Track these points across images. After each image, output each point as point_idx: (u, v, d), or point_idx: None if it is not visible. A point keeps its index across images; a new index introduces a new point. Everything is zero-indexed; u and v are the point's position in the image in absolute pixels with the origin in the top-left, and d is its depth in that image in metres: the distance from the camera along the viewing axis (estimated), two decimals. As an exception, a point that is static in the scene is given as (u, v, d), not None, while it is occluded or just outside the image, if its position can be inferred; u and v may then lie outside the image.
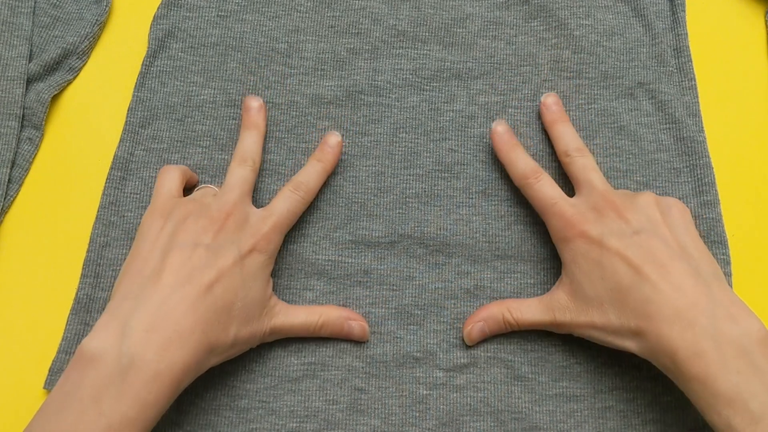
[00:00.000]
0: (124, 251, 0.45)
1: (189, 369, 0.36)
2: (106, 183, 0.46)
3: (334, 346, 0.43)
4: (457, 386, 0.42)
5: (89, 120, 0.49)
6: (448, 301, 0.44)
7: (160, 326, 0.35)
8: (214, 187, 0.45)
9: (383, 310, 0.44)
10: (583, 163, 0.44)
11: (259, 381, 0.42)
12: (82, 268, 0.44)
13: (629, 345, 0.38)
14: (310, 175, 0.45)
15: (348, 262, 0.44)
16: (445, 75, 0.49)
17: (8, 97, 0.47)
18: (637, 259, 0.38)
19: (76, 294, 0.44)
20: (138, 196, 0.46)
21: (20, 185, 0.47)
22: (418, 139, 0.47)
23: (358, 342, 0.43)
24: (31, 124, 0.48)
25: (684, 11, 0.51)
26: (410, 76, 0.49)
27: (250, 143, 0.45)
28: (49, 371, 0.42)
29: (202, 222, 0.40)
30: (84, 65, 0.51)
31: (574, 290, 0.40)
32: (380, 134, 0.48)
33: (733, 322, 0.36)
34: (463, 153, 0.47)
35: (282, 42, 0.50)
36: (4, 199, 0.46)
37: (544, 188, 0.43)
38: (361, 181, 0.47)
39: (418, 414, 0.42)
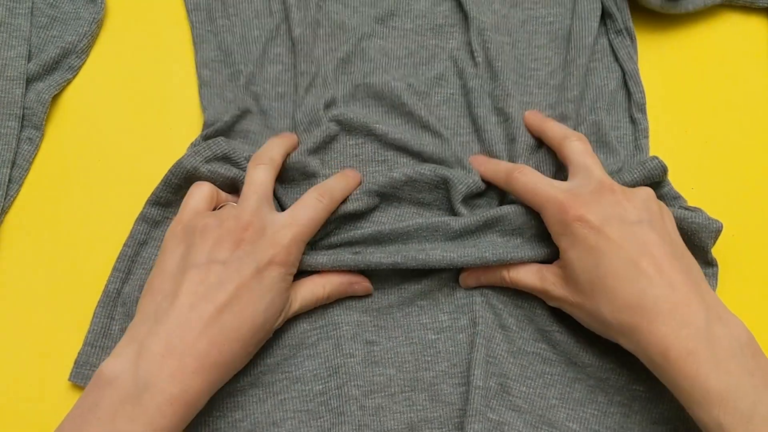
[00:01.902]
0: None
1: (203, 392, 0.36)
2: (159, 184, 0.44)
3: (340, 305, 0.44)
4: (462, 327, 0.44)
5: (89, 120, 0.49)
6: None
7: (175, 351, 0.35)
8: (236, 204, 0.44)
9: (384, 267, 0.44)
10: (581, 148, 0.43)
11: (277, 354, 0.43)
12: (116, 262, 0.44)
13: (617, 338, 0.39)
14: (338, 183, 0.44)
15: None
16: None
17: (8, 97, 0.47)
18: (635, 250, 0.37)
19: (106, 287, 0.44)
20: None
21: (20, 185, 0.47)
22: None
23: (362, 297, 0.44)
24: (31, 124, 0.48)
25: (647, 137, 0.49)
26: (439, 224, 0.44)
27: (269, 145, 0.44)
28: (75, 363, 0.43)
29: (218, 237, 0.39)
30: (83, 64, 0.51)
31: (568, 275, 0.40)
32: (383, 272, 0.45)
33: (723, 323, 0.36)
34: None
35: None
36: (4, 199, 0.46)
37: (532, 178, 0.42)
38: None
39: (429, 358, 0.43)
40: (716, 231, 0.44)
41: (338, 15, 0.51)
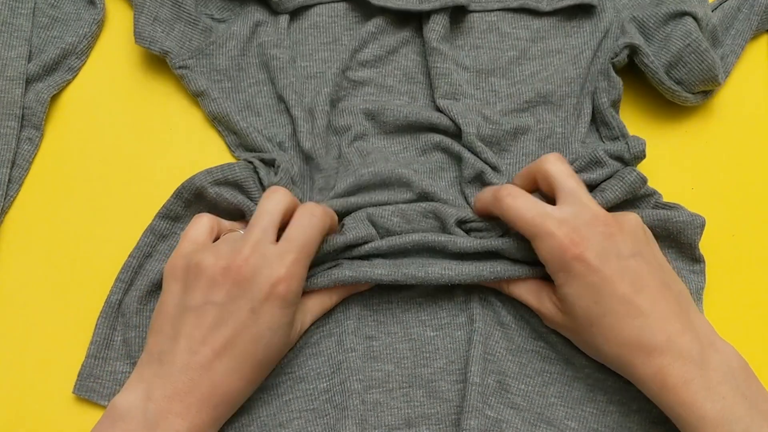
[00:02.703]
0: (164, 266, 0.43)
1: (210, 426, 0.38)
2: (171, 198, 0.44)
3: (342, 302, 0.44)
4: (460, 324, 0.44)
5: (89, 120, 0.49)
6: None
7: (179, 393, 0.37)
8: (241, 232, 0.42)
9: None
10: (564, 169, 0.41)
11: None
12: (120, 273, 0.44)
13: (613, 368, 0.40)
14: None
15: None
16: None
17: (8, 97, 0.47)
18: (631, 287, 0.38)
19: (108, 298, 0.44)
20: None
21: (20, 185, 0.47)
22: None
23: (363, 291, 0.45)
24: (31, 124, 0.48)
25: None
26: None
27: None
28: (79, 376, 0.43)
29: (213, 276, 0.38)
30: (83, 65, 0.50)
31: (566, 309, 0.40)
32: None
33: (715, 349, 0.37)
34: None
35: None
36: (4, 199, 0.46)
37: (523, 202, 0.40)
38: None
39: (428, 355, 0.44)
40: (701, 226, 0.44)
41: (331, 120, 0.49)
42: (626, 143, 0.45)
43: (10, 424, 0.43)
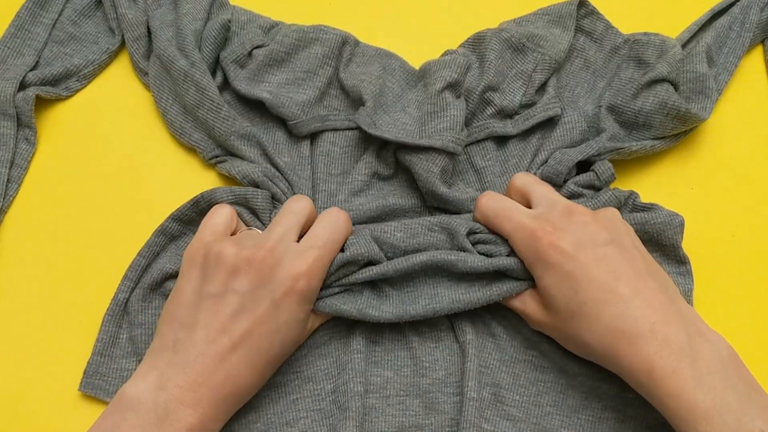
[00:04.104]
0: (171, 266, 0.43)
1: (219, 420, 0.38)
2: (188, 203, 0.44)
3: None
4: (457, 336, 0.44)
5: (89, 120, 0.50)
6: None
7: (192, 383, 0.36)
8: (260, 231, 0.43)
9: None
10: (531, 179, 0.43)
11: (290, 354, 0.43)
12: (128, 271, 0.43)
13: (601, 361, 0.39)
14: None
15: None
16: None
17: (0, 97, 0.47)
18: (610, 273, 0.37)
19: (115, 296, 0.43)
20: None
21: (19, 185, 0.47)
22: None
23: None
24: (23, 123, 0.48)
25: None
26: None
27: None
28: (85, 374, 0.43)
29: (234, 265, 0.38)
30: (81, 88, 0.50)
31: (547, 303, 0.40)
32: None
33: (704, 339, 0.36)
34: None
35: None
36: (4, 198, 0.46)
37: (500, 203, 0.42)
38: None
39: (428, 365, 0.43)
40: (680, 225, 0.44)
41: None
42: (594, 171, 0.45)
43: (17, 421, 0.43)
